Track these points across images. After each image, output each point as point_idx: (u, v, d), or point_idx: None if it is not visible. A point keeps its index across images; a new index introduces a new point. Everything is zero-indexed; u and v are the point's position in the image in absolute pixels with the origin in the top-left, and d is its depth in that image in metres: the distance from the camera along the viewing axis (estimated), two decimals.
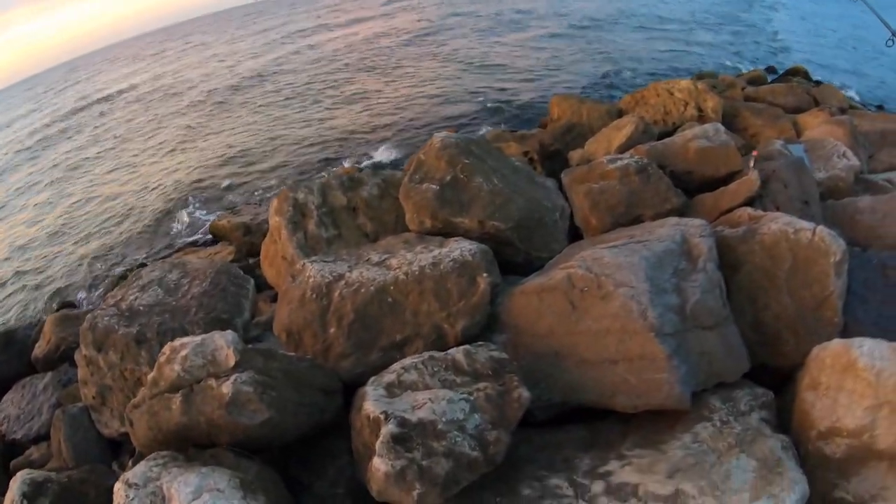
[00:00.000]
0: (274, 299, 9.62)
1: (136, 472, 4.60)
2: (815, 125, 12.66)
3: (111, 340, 6.83)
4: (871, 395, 4.42)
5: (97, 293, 14.61)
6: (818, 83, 22.49)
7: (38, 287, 16.36)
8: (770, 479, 4.32)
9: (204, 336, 5.13)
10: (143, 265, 14.03)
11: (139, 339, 6.70)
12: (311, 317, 6.01)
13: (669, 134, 12.00)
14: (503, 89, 23.31)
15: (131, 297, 7.31)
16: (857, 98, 23.44)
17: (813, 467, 4.63)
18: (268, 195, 17.37)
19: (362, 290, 5.93)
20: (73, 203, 22.35)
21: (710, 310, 5.34)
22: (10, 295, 16.46)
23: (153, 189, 20.74)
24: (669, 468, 4.47)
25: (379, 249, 6.78)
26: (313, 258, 6.72)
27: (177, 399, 4.99)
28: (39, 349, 10.42)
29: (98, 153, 28.42)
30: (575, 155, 11.47)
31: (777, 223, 6.14)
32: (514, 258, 7.44)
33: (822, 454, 4.66)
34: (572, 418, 5.48)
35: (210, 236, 14.48)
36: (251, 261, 11.53)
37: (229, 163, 21.20)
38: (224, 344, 4.95)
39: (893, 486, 4.38)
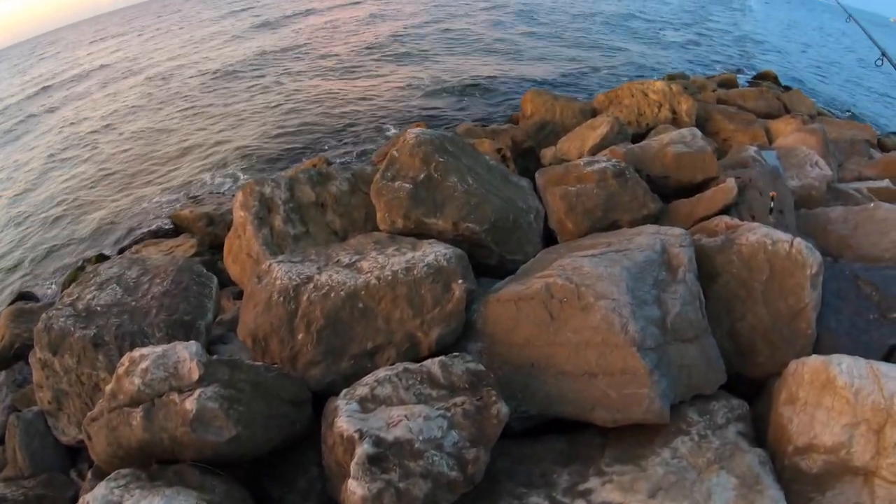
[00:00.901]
0: (238, 297, 9.33)
1: (96, 496, 4.33)
2: (788, 132, 12.73)
3: (67, 343, 6.47)
4: (849, 413, 4.42)
5: (55, 284, 14.02)
6: (787, 88, 22.71)
7: None
8: (751, 498, 4.28)
9: (165, 347, 4.86)
10: (102, 256, 13.51)
11: (96, 343, 6.37)
12: (278, 322, 5.78)
13: (643, 135, 11.99)
14: (473, 84, 23.01)
15: (88, 296, 6.95)
16: (824, 105, 23.67)
17: (789, 481, 4.65)
18: (232, 185, 16.87)
19: (332, 295, 5.71)
20: (33, 187, 21.49)
21: (691, 322, 5.28)
22: None
23: (115, 175, 19.97)
24: (651, 487, 4.39)
25: (349, 250, 6.55)
26: (280, 258, 6.47)
27: (137, 414, 4.71)
28: None
29: (62, 138, 27.38)
30: (548, 153, 11.34)
31: (755, 234, 6.14)
32: (487, 260, 7.30)
33: (798, 469, 4.66)
34: (549, 428, 5.38)
35: (172, 226, 14.07)
36: (214, 255, 11.20)
37: (193, 150, 20.48)
38: (187, 356, 4.70)
39: (868, 500, 4.41)
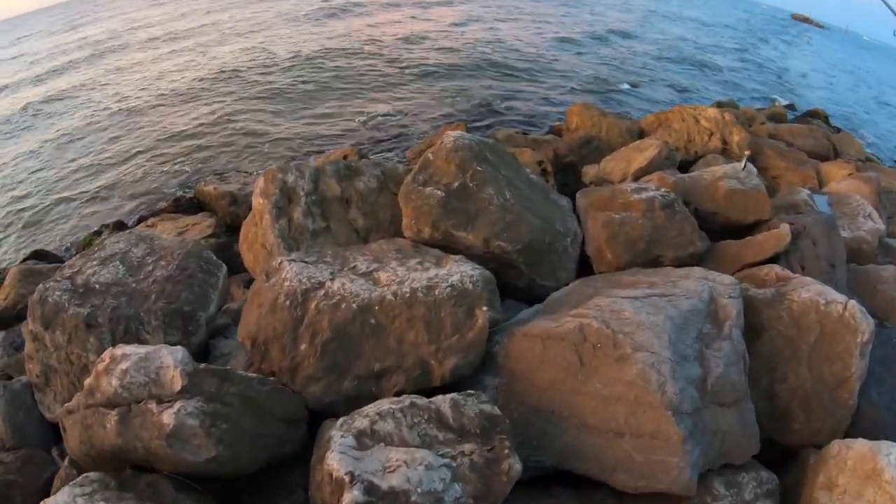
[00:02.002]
0: (249, 285, 8.90)
1: (57, 502, 3.92)
2: (840, 177, 12.03)
3: (60, 319, 6.08)
4: None
5: (73, 245, 13.73)
6: (837, 130, 21.77)
7: (18, 227, 15.51)
8: None
9: (149, 349, 4.41)
10: (120, 224, 13.21)
11: (89, 323, 5.96)
12: (282, 328, 5.30)
13: (691, 163, 11.37)
14: (517, 91, 22.31)
15: (89, 271, 6.55)
16: (872, 150, 22.64)
17: None
18: (260, 165, 16.47)
19: (343, 306, 5.22)
20: (71, 143, 21.28)
21: (733, 385, 4.73)
22: None
23: (152, 139, 19.61)
24: None
25: (368, 255, 6.07)
26: (293, 256, 6.00)
27: (112, 417, 4.28)
28: None
29: (105, 97, 27.21)
30: (590, 171, 10.77)
31: (808, 291, 5.64)
32: (516, 282, 6.79)
33: None
34: (558, 477, 4.86)
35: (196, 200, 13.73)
36: (231, 237, 10.80)
37: (230, 122, 20.04)
38: (171, 363, 4.24)
39: None
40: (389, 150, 16.69)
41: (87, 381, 4.56)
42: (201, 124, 20.39)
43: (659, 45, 37.64)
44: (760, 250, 7.23)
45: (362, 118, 19.41)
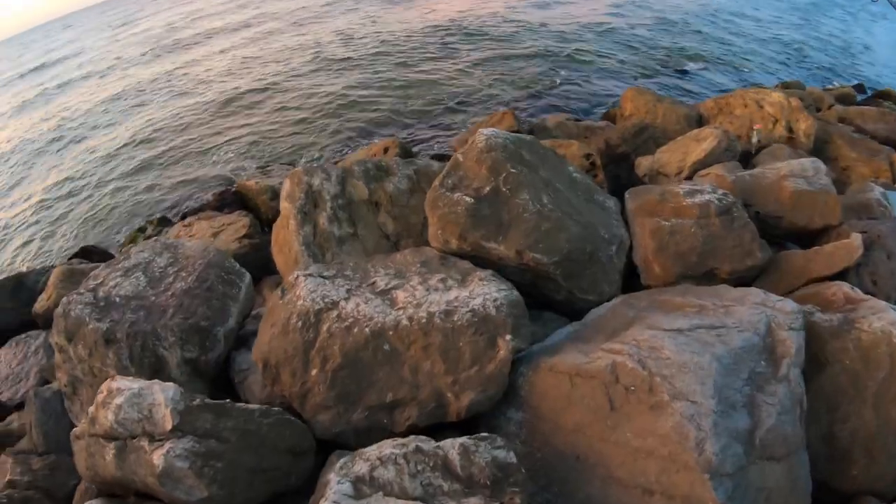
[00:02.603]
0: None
1: None
2: None
3: (81, 333, 5.95)
4: None
5: (120, 238, 13.89)
6: None
7: (64, 224, 15.80)
8: None
9: (143, 385, 4.17)
10: (164, 220, 13.24)
11: (108, 338, 5.80)
12: (293, 350, 4.98)
13: (753, 154, 10.47)
14: (571, 73, 21.33)
15: (111, 283, 6.40)
16: None
17: None
18: (307, 156, 16.25)
19: (355, 330, 4.86)
20: (132, 131, 21.58)
21: (785, 437, 4.10)
22: (44, 231, 15.84)
23: (206, 130, 19.64)
24: None
25: (390, 269, 5.68)
26: (310, 269, 5.66)
27: (110, 450, 4.13)
28: (40, 304, 9.66)
29: (163, 84, 27.53)
30: (643, 162, 10.03)
31: (881, 319, 4.93)
32: (553, 294, 6.29)
33: None
34: None
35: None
36: (267, 234, 10.61)
37: (284, 113, 19.82)
38: (162, 400, 3.98)
39: None
40: (435, 139, 16.15)
41: (90, 410, 4.39)
42: (251, 115, 20.32)
43: (717, 21, 35.63)
44: (828, 264, 6.43)
45: (409, 103, 18.96)
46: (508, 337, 4.71)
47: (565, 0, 39.29)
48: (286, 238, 7.32)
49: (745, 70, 24.46)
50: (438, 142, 16.02)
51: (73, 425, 6.68)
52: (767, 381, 4.34)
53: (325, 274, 5.58)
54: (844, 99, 19.59)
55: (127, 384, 4.19)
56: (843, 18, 49.18)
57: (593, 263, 6.27)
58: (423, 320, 4.78)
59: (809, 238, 7.31)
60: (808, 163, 7.75)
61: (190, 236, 9.83)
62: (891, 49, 41.99)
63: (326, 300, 5.13)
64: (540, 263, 5.84)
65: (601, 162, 9.33)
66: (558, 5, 34.34)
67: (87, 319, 5.96)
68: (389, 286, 5.31)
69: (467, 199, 5.89)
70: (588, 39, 26.16)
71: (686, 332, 4.69)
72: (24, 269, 13.56)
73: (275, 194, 12.38)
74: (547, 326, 6.27)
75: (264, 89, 23.05)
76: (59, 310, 6.24)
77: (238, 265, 6.81)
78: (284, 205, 7.27)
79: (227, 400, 4.42)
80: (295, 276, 5.57)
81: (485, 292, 4.99)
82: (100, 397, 4.29)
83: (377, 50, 26.93)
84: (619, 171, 10.52)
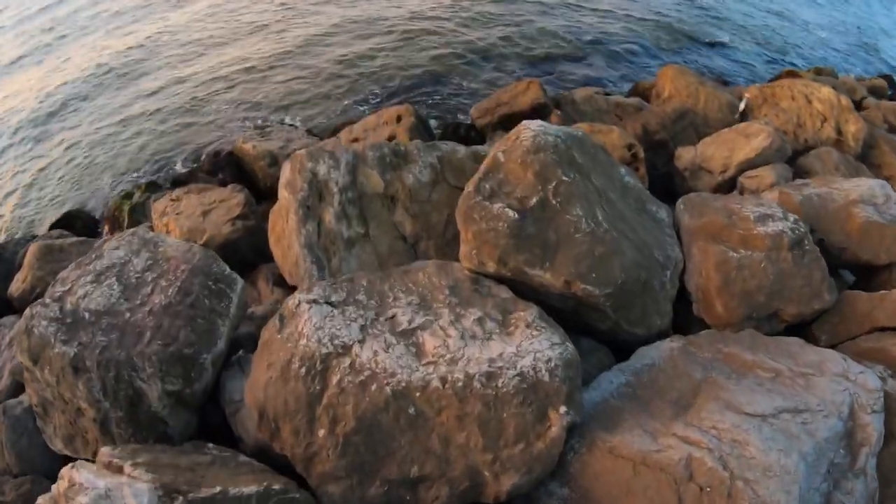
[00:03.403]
0: (279, 282, 7.62)
1: None
2: None
3: (46, 356, 4.99)
4: None
5: (107, 203, 12.70)
6: None
7: (52, 181, 14.56)
8: None
9: (110, 484, 3.28)
10: (153, 185, 12.05)
11: (76, 366, 4.84)
12: (295, 403, 4.03)
13: (799, 153, 9.45)
14: (595, 41, 19.72)
15: (80, 292, 5.39)
16: None
17: None
18: (310, 116, 14.92)
19: (373, 388, 3.90)
20: (126, 83, 19.97)
21: None
22: (31, 188, 14.56)
23: (215, 81, 18.05)
24: None
25: (412, 294, 4.69)
26: (314, 293, 4.66)
27: None
28: (16, 286, 8.56)
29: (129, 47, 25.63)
30: (685, 154, 8.98)
31: None
32: (596, 324, 5.39)
33: None
34: None
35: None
36: (263, 209, 9.57)
37: (290, 61, 18.26)
38: None
39: None
40: (450, 104, 14.81)
41: (51, 497, 3.47)
42: (276, 56, 18.65)
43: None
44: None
45: (417, 58, 17.51)
46: (563, 409, 3.77)
47: None
48: (285, 232, 6.31)
49: (778, 50, 23.04)
50: (455, 107, 14.74)
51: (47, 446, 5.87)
52: (844, 474, 3.93)
53: (333, 299, 4.59)
54: (877, 91, 18.44)
55: (92, 479, 3.30)
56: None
57: (646, 292, 5.34)
58: (460, 384, 3.82)
59: (869, 271, 6.64)
60: (878, 187, 6.88)
61: (178, 213, 8.75)
62: None
63: (336, 342, 4.15)
64: (591, 295, 4.89)
65: (643, 154, 8.24)
66: None
67: (53, 340, 4.98)
68: (414, 324, 4.33)
69: (510, 213, 4.86)
70: (605, 9, 24.47)
71: (770, 418, 4.05)
72: (3, 236, 12.45)
73: (273, 160, 11.29)
74: (585, 357, 5.39)
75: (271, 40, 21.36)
76: (22, 324, 5.27)
77: (227, 270, 5.77)
78: (283, 194, 6.24)
79: (218, 489, 3.47)
80: (296, 301, 4.58)
81: (535, 349, 4.01)
82: (61, 487, 3.40)
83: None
84: (655, 159, 9.49)
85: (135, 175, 13.59)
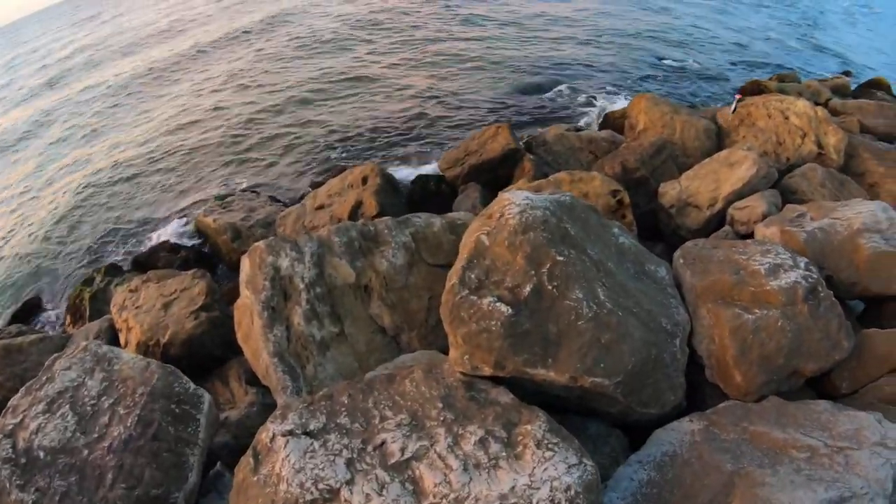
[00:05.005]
0: (252, 381, 6.99)
1: None
2: None
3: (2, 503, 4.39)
4: None
5: (67, 290, 11.96)
6: None
7: (15, 259, 13.77)
8: None
9: None
10: (113, 267, 11.35)
11: None
12: None
13: (782, 174, 9.16)
14: (557, 75, 19.40)
15: (33, 424, 4.78)
16: None
17: None
18: (272, 181, 14.31)
19: None
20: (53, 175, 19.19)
21: None
22: None
23: (179, 153, 17.27)
24: None
25: (400, 411, 4.12)
26: (289, 422, 4.08)
27: None
28: None
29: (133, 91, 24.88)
30: (669, 191, 8.58)
31: None
32: (605, 409, 4.87)
33: None
34: None
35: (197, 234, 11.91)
36: (230, 288, 8.94)
37: (237, 129, 17.71)
38: None
39: None
40: (417, 155, 14.24)
41: None
42: (234, 121, 18.02)
43: (703, 12, 34.16)
44: None
45: (378, 109, 17.03)
46: None
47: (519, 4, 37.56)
48: (252, 332, 5.72)
49: (740, 63, 23.15)
50: (422, 156, 14.27)
51: None
52: None
53: (312, 428, 4.01)
54: (839, 90, 18.53)
55: None
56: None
57: (657, 369, 4.84)
58: None
59: (879, 301, 6.27)
60: (880, 211, 6.50)
61: (137, 307, 8.09)
62: (867, 31, 41.35)
63: (321, 486, 3.57)
64: (599, 387, 4.39)
65: (629, 199, 7.83)
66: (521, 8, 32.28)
67: (8, 486, 4.46)
68: (408, 453, 3.76)
69: (502, 308, 4.33)
70: (559, 40, 24.38)
71: None
72: None
73: (236, 233, 10.74)
74: (597, 447, 4.91)
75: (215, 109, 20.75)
76: None
77: (191, 387, 5.17)
78: (245, 293, 5.67)
79: None
80: (270, 434, 3.99)
81: (550, 476, 3.46)
82: None
83: (331, 51, 24.87)
84: (637, 197, 9.06)
85: (94, 255, 12.88)
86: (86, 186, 16.57)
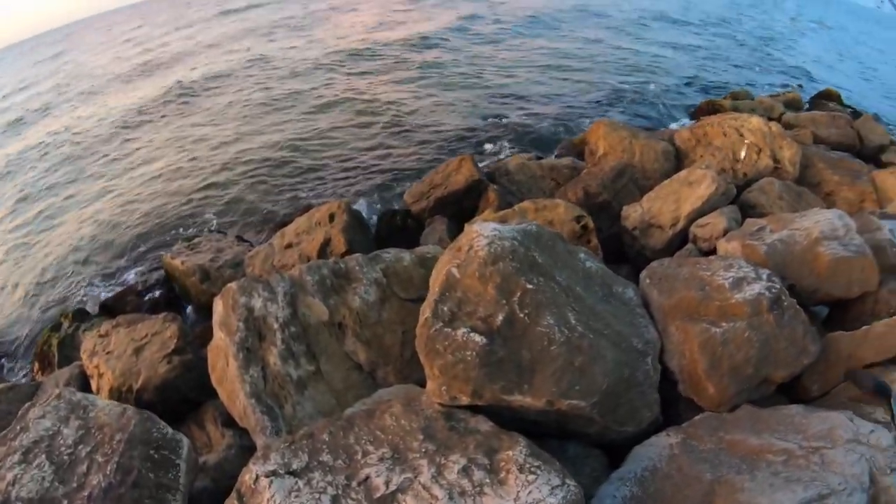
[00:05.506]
0: (228, 423, 6.95)
1: None
2: None
3: None
4: None
5: (29, 339, 11.74)
6: (856, 113, 19.82)
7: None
8: None
9: None
10: (81, 312, 11.18)
11: None
12: None
13: (740, 189, 9.47)
14: (512, 103, 19.83)
15: (9, 475, 4.69)
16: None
17: None
18: (238, 220, 14.26)
19: None
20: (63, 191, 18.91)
21: None
22: None
23: (146, 190, 17.10)
24: None
25: (381, 445, 4.16)
26: (271, 462, 4.10)
27: None
28: None
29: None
30: (632, 213, 8.81)
31: None
32: (582, 429, 4.95)
33: None
34: None
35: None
36: (204, 339, 8.87)
37: (196, 172, 17.59)
38: None
39: None
40: (381, 190, 14.30)
41: None
42: (195, 163, 17.93)
43: (655, 38, 35.19)
44: (882, 349, 5.52)
45: (355, 149, 17.07)
46: None
47: (481, 17, 38.27)
48: (227, 374, 5.71)
49: (692, 83, 23.87)
50: (386, 191, 14.37)
51: None
52: None
53: (295, 467, 4.03)
54: (792, 104, 19.22)
55: None
56: (765, 19, 50.20)
57: (631, 388, 4.97)
58: None
59: (842, 304, 6.53)
60: (836, 219, 6.76)
61: (108, 352, 8.00)
62: (814, 42, 42.94)
63: None
64: (576, 408, 4.49)
65: (593, 224, 8.02)
66: (474, 36, 32.91)
67: None
68: (392, 486, 3.80)
69: (476, 338, 4.42)
70: (508, 68, 24.88)
71: None
72: None
73: (205, 275, 10.67)
74: (577, 468, 4.97)
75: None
76: None
77: (169, 432, 5.12)
78: (219, 334, 5.68)
79: None
80: (253, 476, 4.00)
81: (535, 499, 3.53)
82: None
83: (294, 87, 25.01)
84: (601, 221, 9.28)
85: (60, 300, 12.65)
86: (48, 231, 16.37)
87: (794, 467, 4.12)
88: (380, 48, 30.17)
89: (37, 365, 10.55)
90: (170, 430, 5.19)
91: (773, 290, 5.44)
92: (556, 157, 13.00)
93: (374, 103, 20.91)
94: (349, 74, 25.75)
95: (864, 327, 5.72)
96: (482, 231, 5.12)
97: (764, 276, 5.64)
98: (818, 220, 6.75)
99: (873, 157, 14.40)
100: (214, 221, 14.29)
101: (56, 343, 10.24)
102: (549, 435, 5.06)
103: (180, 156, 19.28)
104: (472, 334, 4.45)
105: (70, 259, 14.33)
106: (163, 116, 24.63)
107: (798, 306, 5.56)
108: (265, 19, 49.35)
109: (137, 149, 21.24)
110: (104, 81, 37.44)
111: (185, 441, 5.20)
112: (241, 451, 6.32)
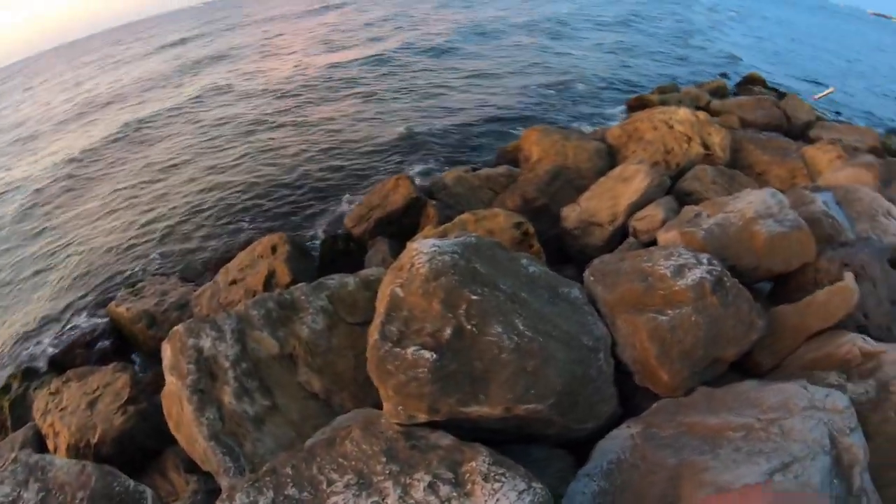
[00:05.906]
0: (190, 468, 6.81)
1: None
2: (828, 163, 10.51)
3: None
4: None
5: None
6: (780, 94, 20.63)
7: None
8: None
9: None
10: (29, 371, 10.76)
11: None
12: None
13: (675, 178, 9.74)
14: (444, 115, 20.00)
15: None
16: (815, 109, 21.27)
17: None
18: (180, 260, 13.96)
19: None
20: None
21: None
22: None
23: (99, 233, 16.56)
24: None
25: (346, 472, 4.15)
26: (245, 492, 4.08)
27: None
28: None
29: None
30: (570, 214, 8.99)
31: None
32: (543, 430, 5.03)
33: None
34: None
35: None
36: (159, 385, 8.67)
37: (132, 216, 17.17)
38: None
39: None
40: (320, 217, 14.25)
41: None
42: (129, 203, 17.54)
43: (580, 38, 35.91)
44: (826, 316, 5.82)
45: (290, 179, 16.90)
46: None
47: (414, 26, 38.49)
48: (183, 419, 5.61)
49: (624, 82, 24.40)
50: (326, 217, 14.27)
51: None
52: (846, 501, 3.88)
53: (262, 498, 4.00)
54: (718, 92, 19.89)
55: None
56: (679, 9, 51.75)
57: (586, 384, 5.07)
58: None
59: (783, 278, 6.80)
60: (769, 196, 7.02)
61: (61, 409, 7.77)
62: (730, 29, 44.44)
63: None
64: (534, 412, 4.56)
65: (533, 229, 8.14)
66: (401, 54, 33.04)
67: None
68: None
69: (426, 354, 4.46)
70: (452, 86, 25.09)
71: (764, 487, 3.76)
72: None
73: (152, 320, 10.44)
74: (543, 470, 5.03)
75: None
76: None
77: (131, 485, 5.05)
78: (170, 379, 5.57)
79: None
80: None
81: None
82: None
83: (225, 117, 24.73)
84: (540, 224, 9.41)
85: (5, 360, 12.12)
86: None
87: (754, 441, 4.24)
88: (309, 75, 30.08)
89: None
90: (132, 482, 5.10)
91: (715, 273, 5.63)
92: (491, 166, 13.13)
93: (305, 129, 20.83)
94: (279, 101, 25.61)
95: (807, 297, 5.97)
96: (422, 248, 5.17)
97: (704, 261, 5.83)
98: (751, 201, 7.00)
99: (801, 133, 15.03)
100: (157, 262, 13.95)
101: (7, 405, 9.88)
102: (511, 441, 5.12)
103: (117, 201, 18.78)
104: (421, 351, 4.49)
105: (13, 315, 13.82)
106: (94, 161, 23.99)
107: (741, 285, 5.76)
108: (194, 54, 48.59)
109: (73, 197, 20.64)
110: (36, 128, 36.38)
111: (149, 492, 5.12)
112: (207, 496, 6.23)
